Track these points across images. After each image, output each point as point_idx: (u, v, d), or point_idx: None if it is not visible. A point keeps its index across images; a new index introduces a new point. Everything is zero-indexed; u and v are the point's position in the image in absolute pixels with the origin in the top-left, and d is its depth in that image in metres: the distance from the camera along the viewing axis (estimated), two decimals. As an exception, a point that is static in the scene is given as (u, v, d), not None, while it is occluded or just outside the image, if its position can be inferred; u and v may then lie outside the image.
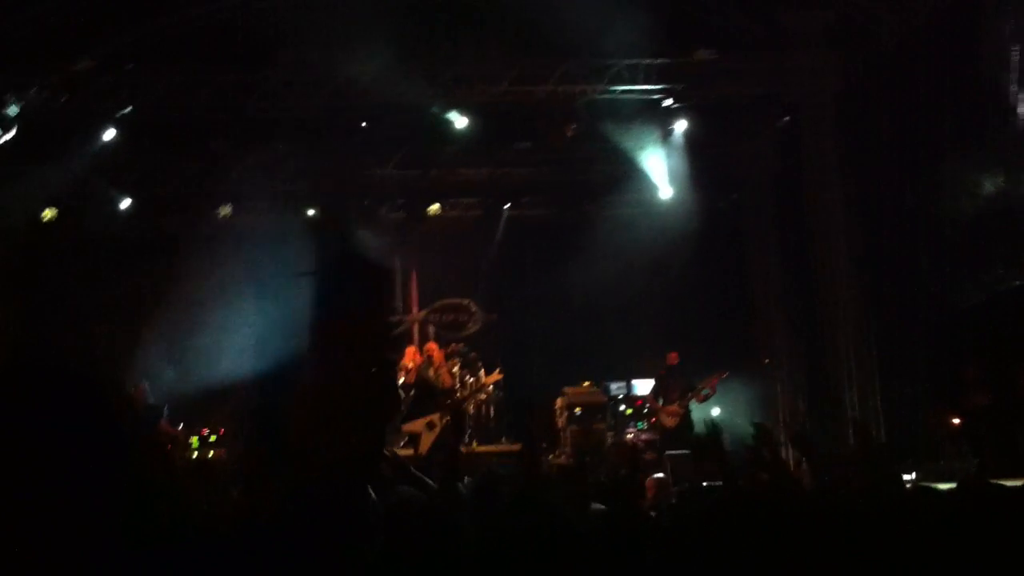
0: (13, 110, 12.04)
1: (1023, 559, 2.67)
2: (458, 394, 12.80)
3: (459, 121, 12.86)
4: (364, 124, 13.06)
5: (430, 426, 11.88)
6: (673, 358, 12.76)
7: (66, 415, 1.29)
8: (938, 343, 10.88)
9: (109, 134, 12.74)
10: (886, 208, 11.78)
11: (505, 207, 15.89)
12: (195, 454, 12.90)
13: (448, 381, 12.74)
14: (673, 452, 11.88)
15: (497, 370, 13.25)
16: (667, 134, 13.60)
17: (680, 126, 13.38)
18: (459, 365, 13.80)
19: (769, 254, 15.26)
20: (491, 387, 13.72)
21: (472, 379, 13.74)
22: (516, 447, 12.93)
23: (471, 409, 13.47)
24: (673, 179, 14.60)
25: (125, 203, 14.82)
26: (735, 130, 13.73)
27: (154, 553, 1.20)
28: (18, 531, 1.19)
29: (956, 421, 10.64)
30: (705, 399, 12.68)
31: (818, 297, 12.93)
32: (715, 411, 13.96)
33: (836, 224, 12.69)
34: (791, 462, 9.65)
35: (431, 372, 12.70)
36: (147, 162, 14.15)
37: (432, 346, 13.13)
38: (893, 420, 12.14)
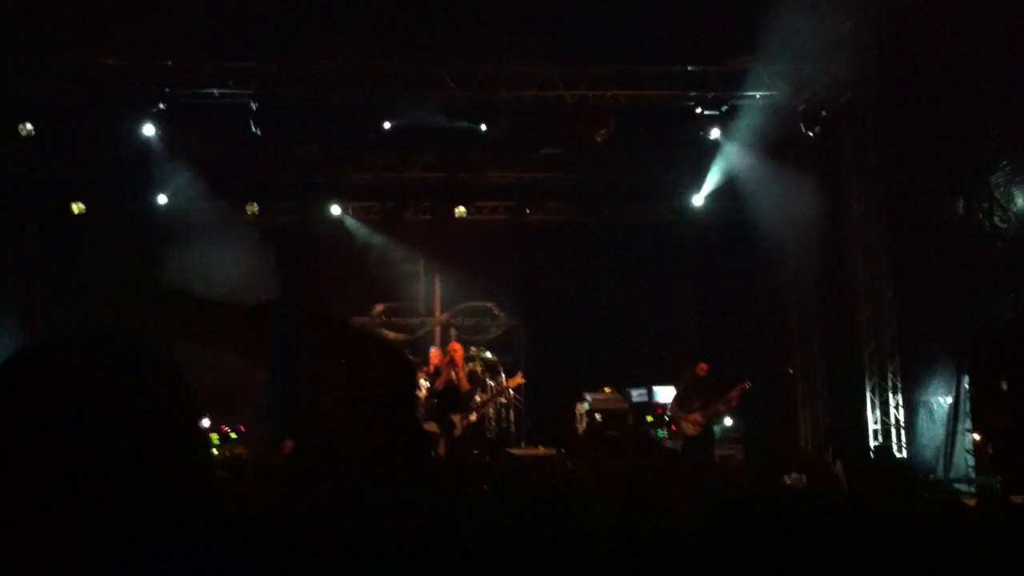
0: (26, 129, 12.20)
1: None
2: (479, 397, 12.78)
3: (488, 125, 12.88)
4: (388, 125, 13.06)
5: (448, 425, 11.87)
6: (703, 369, 12.70)
7: (143, 384, 1.29)
8: (966, 358, 10.78)
9: (148, 129, 12.83)
10: (920, 219, 11.71)
11: (527, 212, 15.84)
12: (215, 451, 12.95)
13: (467, 384, 12.73)
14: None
15: (519, 374, 13.21)
16: (700, 140, 13.58)
17: (714, 132, 13.35)
18: (481, 368, 13.79)
19: (803, 263, 15.19)
20: (512, 391, 13.70)
21: (493, 383, 13.73)
22: (538, 452, 12.96)
23: (491, 413, 13.46)
24: (705, 186, 14.58)
25: (162, 199, 14.91)
26: (769, 137, 13.65)
27: (154, 553, 1.20)
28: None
29: (977, 437, 10.54)
30: (727, 410, 12.63)
31: (848, 308, 12.91)
32: (727, 421, 13.92)
33: (872, 234, 12.66)
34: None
35: (452, 373, 12.68)
36: (179, 155, 14.24)
37: (455, 346, 13.12)
38: (916, 434, 12.06)
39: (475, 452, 12.01)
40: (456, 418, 11.88)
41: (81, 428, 1.23)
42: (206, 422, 13.59)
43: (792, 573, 2.68)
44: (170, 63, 12.23)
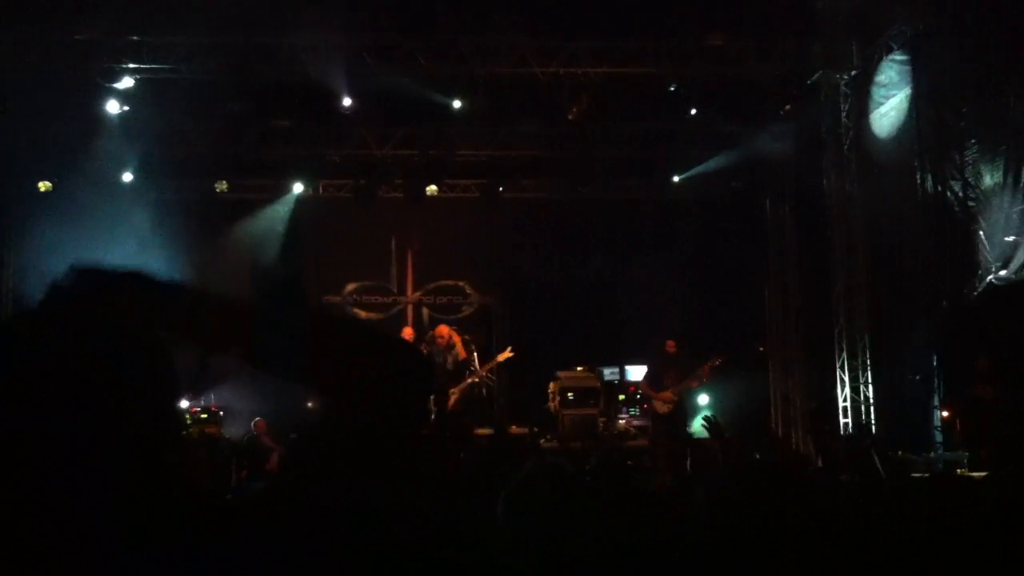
0: None
1: (983, 546, 2.70)
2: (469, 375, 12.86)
3: (456, 102, 12.82)
4: (349, 103, 12.90)
5: (435, 404, 11.90)
6: (671, 346, 12.76)
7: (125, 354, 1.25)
8: (936, 334, 10.89)
9: (112, 106, 12.65)
10: (893, 195, 11.80)
11: (500, 190, 15.79)
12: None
13: (464, 354, 12.84)
14: None
15: (508, 349, 13.31)
16: (673, 117, 13.60)
17: (690, 108, 13.35)
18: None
19: (780, 241, 15.32)
20: (487, 373, 13.71)
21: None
22: (512, 430, 12.99)
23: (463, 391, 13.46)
24: (682, 162, 14.64)
25: (128, 176, 14.75)
26: (748, 113, 13.69)
27: (154, 553, 1.18)
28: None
29: (945, 414, 10.67)
30: (698, 386, 12.70)
31: (825, 284, 13.05)
32: (703, 398, 14.01)
33: (851, 210, 12.77)
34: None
35: (450, 356, 12.77)
36: (149, 131, 14.08)
37: (444, 329, 13.11)
38: (889, 410, 12.19)
39: (466, 422, 12.18)
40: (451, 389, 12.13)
41: (58, 408, 1.18)
42: (184, 403, 13.53)
43: (759, 549, 2.69)
44: (138, 38, 12.04)
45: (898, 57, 11.74)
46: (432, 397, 11.33)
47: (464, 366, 12.55)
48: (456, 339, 12.70)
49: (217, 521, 1.25)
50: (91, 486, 1.18)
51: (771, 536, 2.63)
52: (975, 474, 7.65)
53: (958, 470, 8.90)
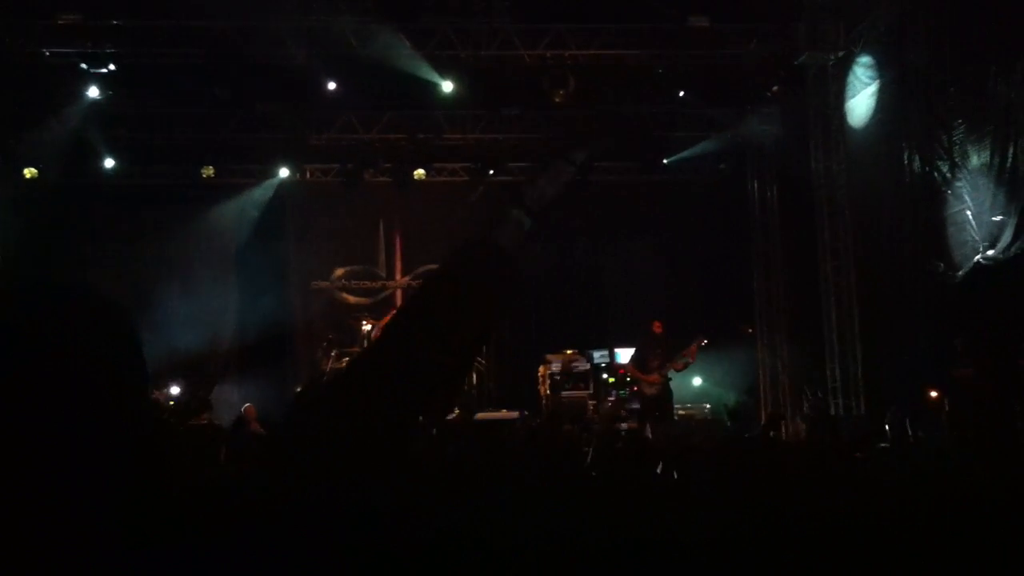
0: None
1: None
2: None
3: (446, 85, 12.76)
4: (333, 86, 12.83)
5: None
6: (657, 327, 12.76)
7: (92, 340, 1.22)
8: (922, 314, 10.92)
9: (93, 91, 12.55)
10: (879, 176, 11.82)
11: (491, 173, 15.74)
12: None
13: None
14: None
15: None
16: (660, 99, 13.58)
17: (676, 91, 13.32)
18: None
19: (766, 222, 15.34)
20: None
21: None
22: (502, 414, 12.99)
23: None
24: (669, 145, 14.64)
25: (109, 162, 14.69)
26: (734, 95, 13.68)
27: (154, 553, 1.16)
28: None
29: (935, 394, 10.69)
30: (685, 367, 12.70)
31: (809, 264, 13.09)
32: (696, 381, 14.06)
33: (838, 191, 12.78)
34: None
35: None
36: (133, 117, 14.00)
37: None
38: (875, 390, 12.22)
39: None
40: None
41: (27, 396, 1.15)
42: (175, 389, 13.49)
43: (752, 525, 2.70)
44: (119, 22, 11.94)
45: (883, 39, 11.74)
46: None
47: None
48: None
49: (216, 521, 1.24)
50: (79, 485, 1.16)
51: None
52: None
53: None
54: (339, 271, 16.31)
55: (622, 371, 14.53)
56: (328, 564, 1.23)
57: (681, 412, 13.26)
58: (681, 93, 13.19)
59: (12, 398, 1.14)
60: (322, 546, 1.22)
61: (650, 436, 11.93)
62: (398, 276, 16.47)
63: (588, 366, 14.26)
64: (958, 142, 10.26)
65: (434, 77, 12.67)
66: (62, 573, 1.11)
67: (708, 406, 13.90)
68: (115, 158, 14.65)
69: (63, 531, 1.13)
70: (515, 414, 13.14)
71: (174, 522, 1.18)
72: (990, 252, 9.75)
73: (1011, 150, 9.41)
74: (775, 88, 12.95)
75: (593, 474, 5.49)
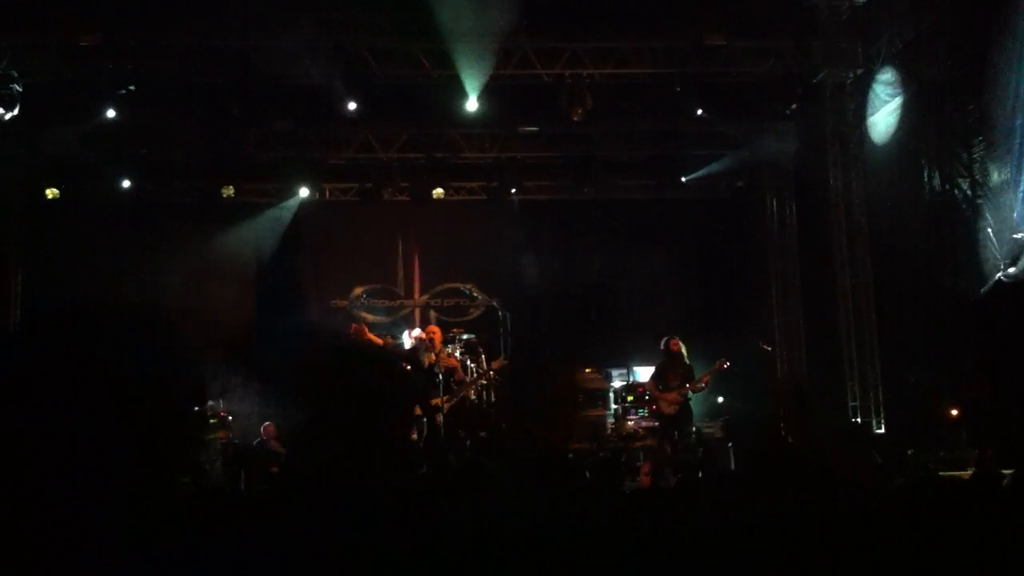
0: (18, 89, 12.00)
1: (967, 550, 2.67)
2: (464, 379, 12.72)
3: (470, 103, 12.80)
4: (353, 107, 12.86)
5: (433, 409, 11.81)
6: (675, 345, 12.71)
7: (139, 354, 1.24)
8: (942, 332, 10.84)
9: (111, 112, 12.67)
10: (898, 193, 11.78)
11: (513, 192, 15.75)
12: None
13: (449, 363, 12.65)
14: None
15: (502, 356, 13.15)
16: (677, 117, 13.58)
17: (693, 108, 13.31)
18: (460, 350, 13.70)
19: (784, 239, 15.31)
20: (492, 372, 13.66)
21: (473, 364, 13.66)
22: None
23: (471, 395, 13.40)
24: (686, 162, 14.64)
25: (126, 182, 14.81)
26: (751, 113, 13.68)
27: (154, 553, 1.17)
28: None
29: (955, 412, 10.61)
30: (702, 389, 12.66)
31: (827, 282, 13.02)
32: (720, 399, 13.99)
33: (856, 208, 12.73)
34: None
35: (432, 355, 12.61)
36: (153, 136, 14.12)
37: (433, 329, 13.04)
38: (894, 408, 12.14)
39: (460, 433, 12.05)
40: (441, 400, 11.83)
41: (78, 413, 1.18)
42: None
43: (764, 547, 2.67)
44: (135, 43, 12.03)
45: (901, 56, 11.71)
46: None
47: (449, 376, 12.22)
48: (438, 342, 12.45)
49: (218, 520, 1.25)
50: (93, 487, 1.17)
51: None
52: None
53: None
54: (358, 289, 16.35)
55: (641, 389, 14.48)
56: (328, 564, 1.24)
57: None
58: (699, 111, 13.17)
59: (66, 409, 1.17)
60: (322, 546, 1.23)
61: (668, 452, 11.91)
62: (416, 294, 16.49)
63: (606, 384, 14.22)
64: (978, 159, 10.21)
65: (459, 94, 12.71)
66: (62, 573, 1.12)
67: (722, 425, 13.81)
68: (135, 177, 14.77)
69: (63, 531, 1.14)
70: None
71: (174, 522, 1.19)
72: (1011, 270, 9.68)
73: (1032, 167, 9.36)
74: (794, 106, 12.93)
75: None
